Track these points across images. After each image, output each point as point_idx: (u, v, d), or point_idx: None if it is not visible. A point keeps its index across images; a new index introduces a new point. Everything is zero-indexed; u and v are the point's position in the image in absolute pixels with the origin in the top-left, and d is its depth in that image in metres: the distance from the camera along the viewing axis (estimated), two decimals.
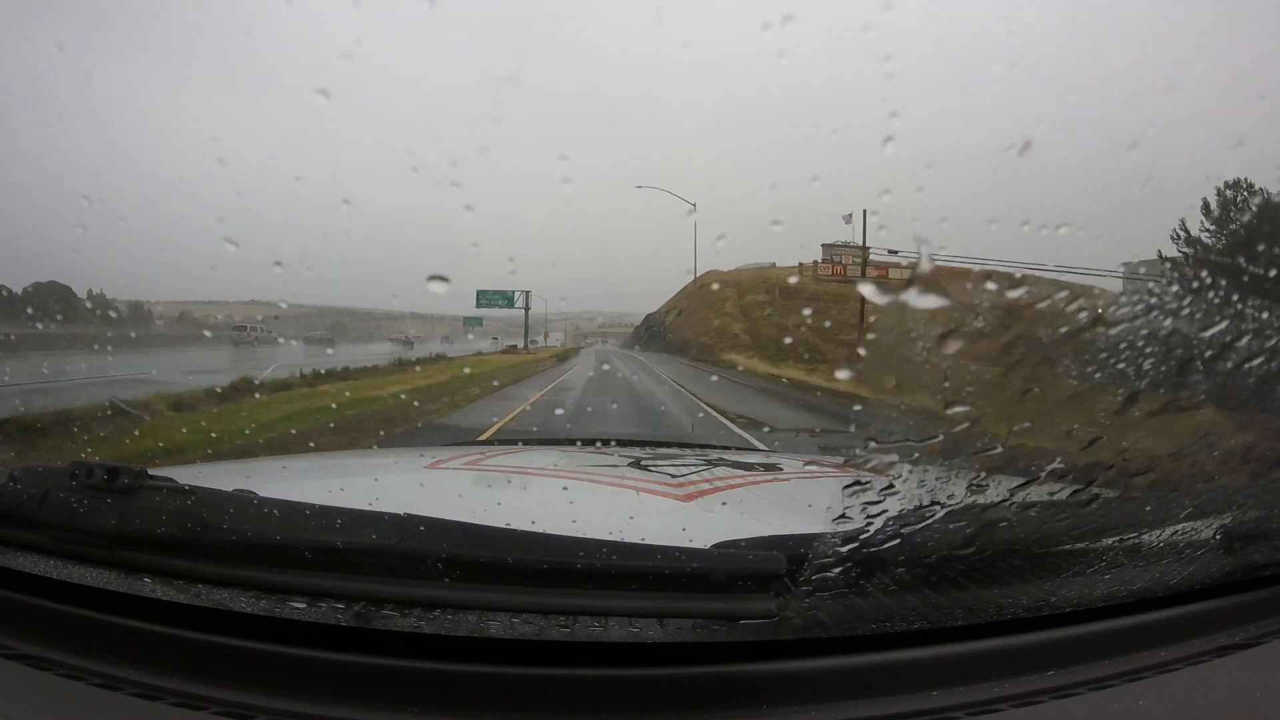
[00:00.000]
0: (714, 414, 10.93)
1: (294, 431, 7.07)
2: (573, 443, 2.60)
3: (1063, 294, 0.88)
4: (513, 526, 0.78)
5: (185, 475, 0.91)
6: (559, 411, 10.89)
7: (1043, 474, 0.90)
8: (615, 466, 1.64)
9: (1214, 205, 21.56)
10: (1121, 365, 0.89)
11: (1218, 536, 0.95)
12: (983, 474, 0.87)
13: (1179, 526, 0.95)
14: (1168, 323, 0.92)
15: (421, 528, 0.77)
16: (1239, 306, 0.94)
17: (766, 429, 9.74)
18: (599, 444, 2.26)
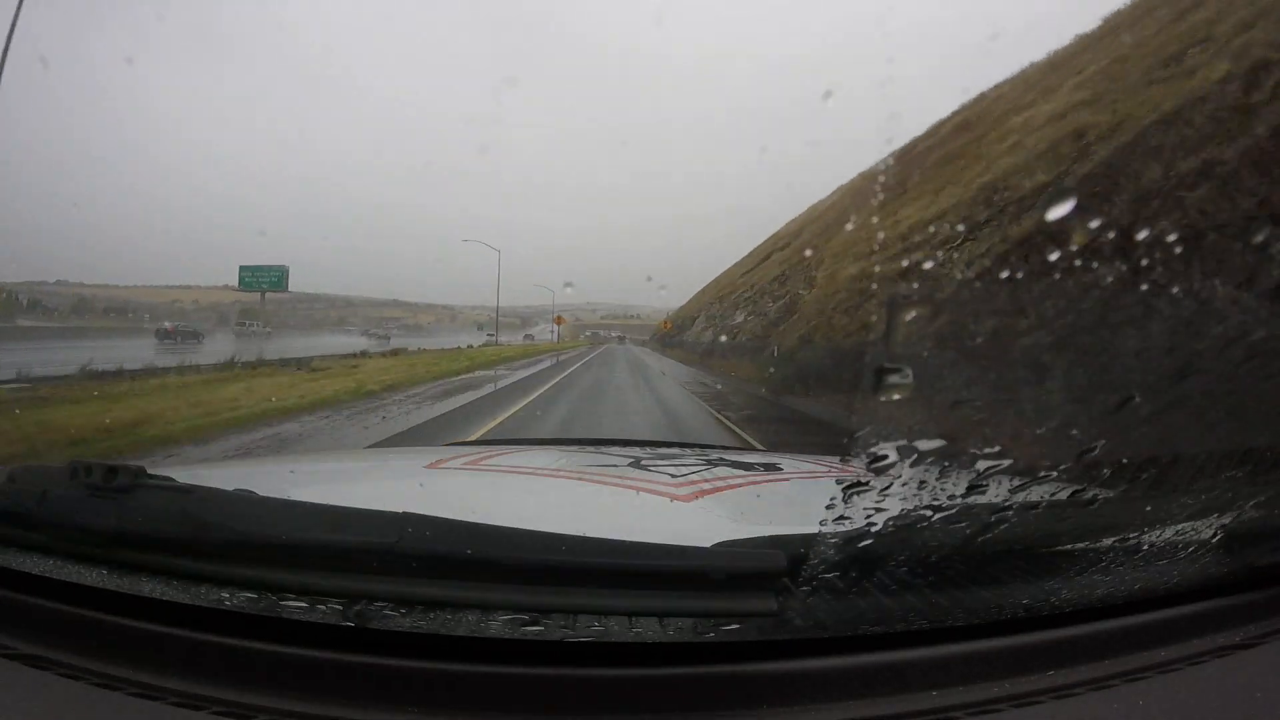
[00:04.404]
0: None
1: None
2: (573, 443, 2.60)
3: None
4: (513, 526, 0.78)
5: (184, 474, 0.91)
6: None
7: (1042, 474, 0.90)
8: (615, 466, 1.64)
9: None
10: None
11: (1218, 536, 0.95)
12: (983, 474, 0.87)
13: (1179, 526, 0.95)
14: None
15: (421, 527, 0.77)
16: None
17: None
18: (599, 444, 2.26)
